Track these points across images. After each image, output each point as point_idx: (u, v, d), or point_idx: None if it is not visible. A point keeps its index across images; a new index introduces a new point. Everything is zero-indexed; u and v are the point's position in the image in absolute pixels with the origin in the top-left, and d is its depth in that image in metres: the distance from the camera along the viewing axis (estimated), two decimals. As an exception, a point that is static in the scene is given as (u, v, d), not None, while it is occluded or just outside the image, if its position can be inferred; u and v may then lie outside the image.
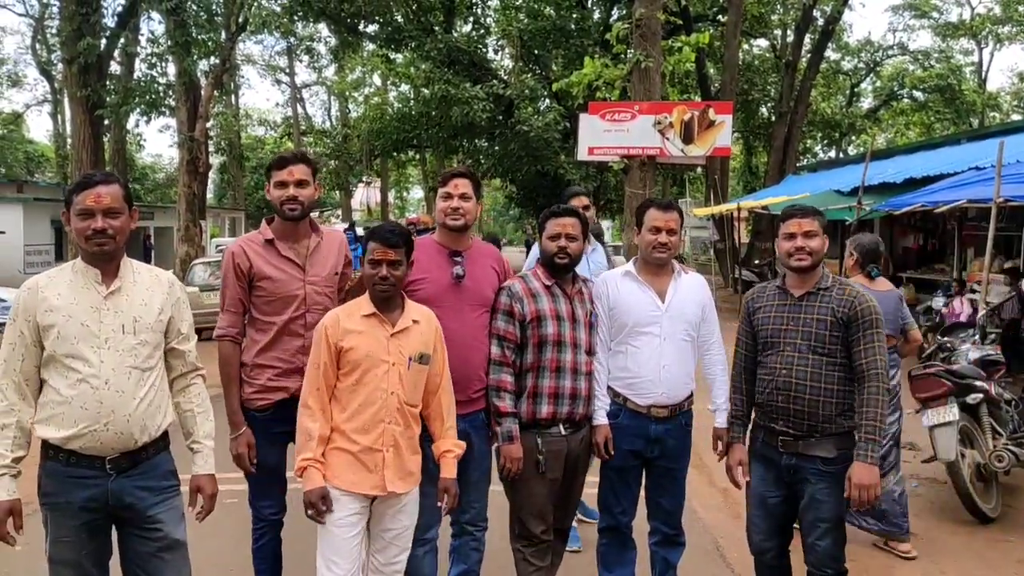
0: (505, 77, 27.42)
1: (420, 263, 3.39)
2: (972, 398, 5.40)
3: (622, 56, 17.21)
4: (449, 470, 3.21)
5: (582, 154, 17.13)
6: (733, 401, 3.62)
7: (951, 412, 5.24)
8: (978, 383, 5.46)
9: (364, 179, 41.52)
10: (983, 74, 40.27)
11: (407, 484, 3.10)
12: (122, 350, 2.72)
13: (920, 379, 5.48)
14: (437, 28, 26.28)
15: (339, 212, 42.63)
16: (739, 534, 4.40)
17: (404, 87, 35.46)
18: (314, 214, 3.76)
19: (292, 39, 24.82)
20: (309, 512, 2.99)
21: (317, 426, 3.01)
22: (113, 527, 2.82)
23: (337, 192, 42.97)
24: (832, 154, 38.38)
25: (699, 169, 27.41)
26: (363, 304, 3.10)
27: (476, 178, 3.58)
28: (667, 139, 16.27)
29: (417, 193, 60.05)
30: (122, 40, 20.61)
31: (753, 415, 3.59)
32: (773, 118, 29.08)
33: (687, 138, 16.32)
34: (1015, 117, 35.46)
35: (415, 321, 3.13)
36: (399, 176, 51.93)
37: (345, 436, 3.02)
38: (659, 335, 3.60)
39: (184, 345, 2.97)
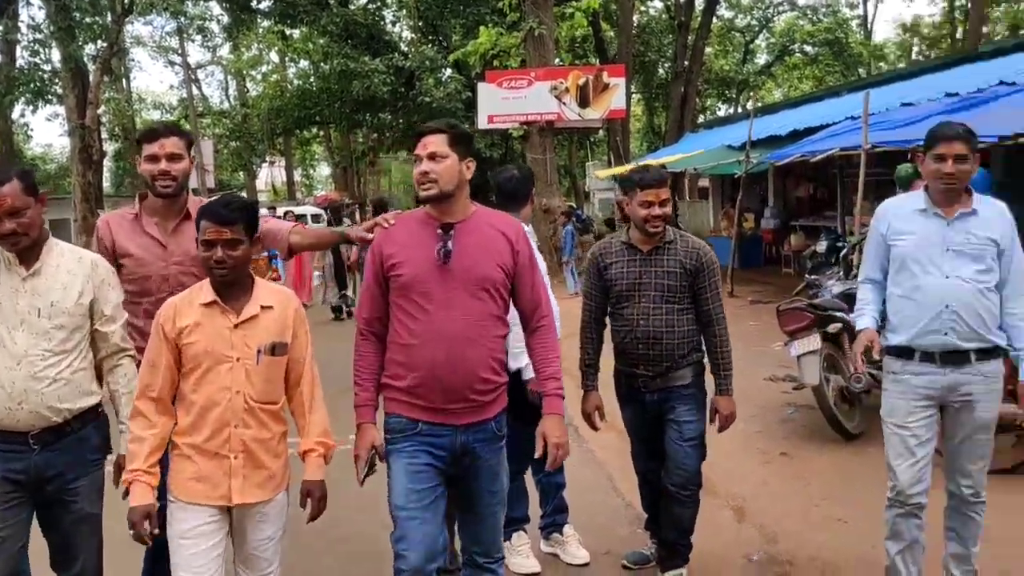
0: (404, 49, 27.32)
1: (398, 241, 2.90)
2: (833, 328, 5.92)
3: (520, 24, 17.43)
4: (314, 471, 2.82)
5: (482, 123, 17.40)
6: (585, 351, 3.91)
7: (815, 342, 5.75)
8: (839, 314, 5.96)
9: (268, 159, 40.84)
10: (869, 26, 41.84)
11: (265, 491, 2.75)
12: (37, 333, 2.78)
13: (786, 313, 5.99)
14: (332, 1, 25.96)
15: (244, 193, 41.86)
16: (629, 468, 4.80)
17: (303, 63, 34.97)
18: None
19: (182, 19, 24.14)
20: (131, 532, 2.66)
21: (151, 433, 2.68)
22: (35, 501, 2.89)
23: (241, 173, 42.21)
24: (731, 110, 39.43)
25: (602, 132, 27.92)
26: (204, 290, 2.74)
27: (458, 131, 2.92)
28: (564, 104, 16.65)
29: (325, 170, 59.29)
30: (0, 28, 19.80)
31: (615, 363, 3.88)
32: (670, 78, 29.72)
33: (583, 102, 16.72)
34: (902, 66, 36.98)
35: (265, 307, 2.75)
36: (304, 154, 51.21)
37: (189, 442, 2.71)
38: None
39: (108, 327, 2.96)
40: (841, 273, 6.70)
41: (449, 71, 26.65)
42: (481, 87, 17.38)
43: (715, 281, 3.69)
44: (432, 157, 2.81)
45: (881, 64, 39.19)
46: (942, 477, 3.46)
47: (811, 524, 4.59)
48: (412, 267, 2.82)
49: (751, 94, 38.00)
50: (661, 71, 33.93)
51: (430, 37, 28.85)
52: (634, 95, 33.43)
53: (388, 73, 23.95)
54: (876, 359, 3.53)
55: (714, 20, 31.59)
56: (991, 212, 3.30)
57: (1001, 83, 10.75)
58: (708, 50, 33.08)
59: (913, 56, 40.03)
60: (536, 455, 2.87)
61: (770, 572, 4.07)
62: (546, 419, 2.90)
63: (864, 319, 3.47)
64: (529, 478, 4.25)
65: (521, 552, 4.08)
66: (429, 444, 2.82)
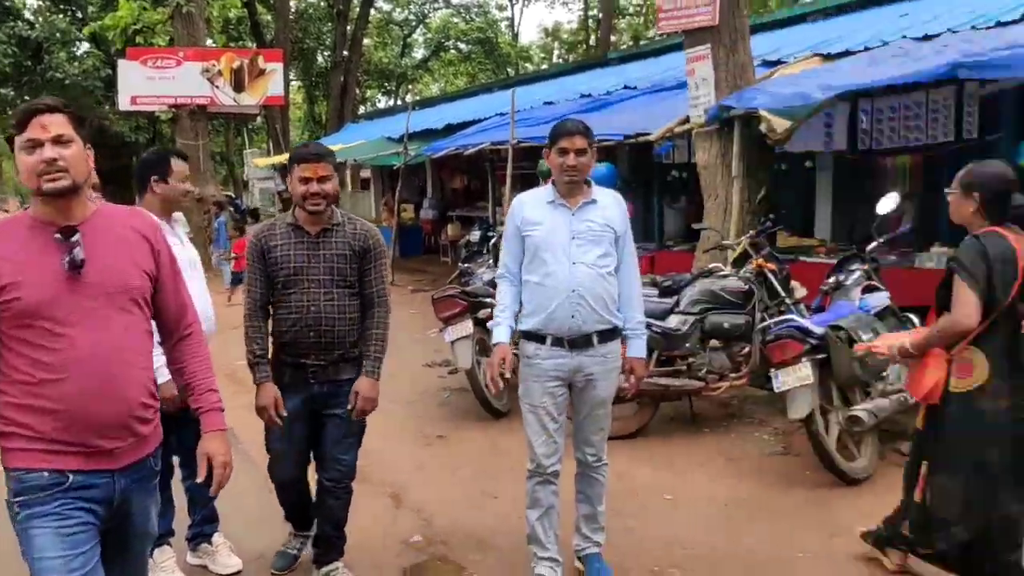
0: (30, 17, 24.43)
1: (3, 256, 2.27)
2: (483, 314, 6.21)
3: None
4: None
5: (124, 104, 16.05)
6: (253, 341, 3.62)
7: (467, 327, 6.01)
8: (488, 300, 6.27)
9: None
10: (516, 28, 44.66)
11: None
12: None
13: (441, 300, 6.20)
14: (-67, -44, 22.44)
15: None
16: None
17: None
18: None
19: None
20: None
21: None
22: None
23: None
24: (391, 102, 40.05)
25: (260, 119, 27.00)
26: None
27: (78, 112, 2.41)
28: (217, 87, 15.84)
29: (-68, 152, 51.06)
30: None
31: (278, 355, 3.66)
32: (330, 67, 29.55)
33: (238, 86, 16.04)
34: (544, 67, 39.93)
35: None
36: (-98, 133, 43.80)
37: None
38: None
39: None
40: (491, 261, 7.07)
41: (86, 45, 24.30)
42: (122, 64, 15.98)
43: (381, 263, 3.64)
44: (59, 141, 2.28)
45: (527, 65, 41.93)
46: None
47: (466, 502, 4.79)
48: (33, 288, 2.24)
49: (409, 87, 38.99)
50: (321, 59, 33.59)
51: (61, 6, 26.04)
52: (294, 82, 32.84)
53: (10, 43, 21.34)
54: (507, 377, 3.64)
55: (373, 12, 31.92)
56: (608, 200, 3.60)
57: (626, 87, 12.04)
58: (367, 41, 33.38)
59: (554, 59, 43.43)
60: (199, 479, 2.56)
61: (427, 554, 4.17)
62: (209, 437, 2.53)
63: (499, 330, 3.62)
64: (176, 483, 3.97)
65: (165, 568, 3.78)
66: (83, 499, 2.30)
